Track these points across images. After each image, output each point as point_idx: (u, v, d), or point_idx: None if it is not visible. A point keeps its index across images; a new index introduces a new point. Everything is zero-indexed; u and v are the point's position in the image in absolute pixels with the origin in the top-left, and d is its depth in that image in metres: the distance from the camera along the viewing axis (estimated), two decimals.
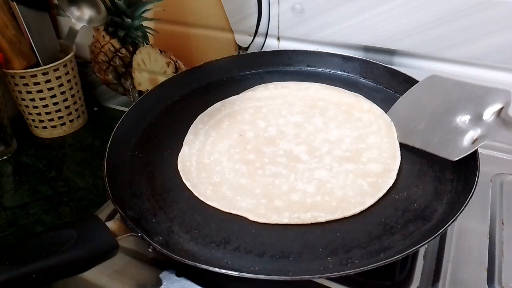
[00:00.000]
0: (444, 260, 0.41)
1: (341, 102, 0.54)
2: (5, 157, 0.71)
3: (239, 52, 0.68)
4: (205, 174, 0.46)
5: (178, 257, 0.35)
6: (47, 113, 0.73)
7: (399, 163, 0.45)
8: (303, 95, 0.56)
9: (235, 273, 0.34)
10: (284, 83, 0.58)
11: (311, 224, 0.39)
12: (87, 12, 0.72)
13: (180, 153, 0.48)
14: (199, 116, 0.54)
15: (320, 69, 0.61)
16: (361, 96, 0.55)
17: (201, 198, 0.43)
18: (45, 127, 0.75)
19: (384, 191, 0.42)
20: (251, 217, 0.40)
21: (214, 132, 0.51)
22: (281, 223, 0.39)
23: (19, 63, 0.67)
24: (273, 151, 0.48)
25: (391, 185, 0.42)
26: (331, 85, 0.57)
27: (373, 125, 0.50)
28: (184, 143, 0.50)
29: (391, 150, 0.46)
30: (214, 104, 0.55)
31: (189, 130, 0.52)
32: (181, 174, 0.46)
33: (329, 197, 0.42)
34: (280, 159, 0.47)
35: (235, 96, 0.57)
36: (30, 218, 0.59)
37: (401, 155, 0.46)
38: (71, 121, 0.77)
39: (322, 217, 0.40)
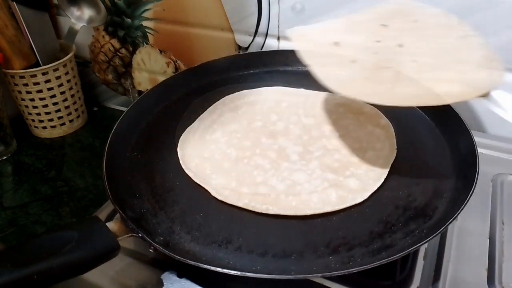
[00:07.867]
0: (444, 260, 0.40)
1: (361, 112, 0.52)
2: (5, 157, 0.71)
3: (239, 52, 0.68)
4: (200, 147, 0.49)
5: (180, 257, 0.35)
6: (46, 113, 0.73)
7: (377, 186, 0.43)
8: (328, 98, 0.55)
9: (237, 273, 0.33)
10: None
11: (312, 222, 0.40)
12: (87, 12, 0.72)
13: (190, 126, 0.52)
14: (222, 98, 0.56)
15: None
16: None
17: (182, 165, 0.47)
18: (45, 127, 0.75)
19: (347, 205, 0.41)
20: (213, 193, 0.43)
21: (229, 114, 0.54)
22: (236, 205, 0.41)
23: (19, 63, 0.67)
24: (269, 144, 0.49)
25: (357, 202, 0.41)
26: None
27: (379, 143, 0.48)
28: (198, 118, 0.53)
29: (379, 172, 0.44)
30: (242, 91, 0.57)
31: (208, 109, 0.55)
32: (179, 141, 0.50)
33: (292, 197, 0.42)
34: (271, 153, 0.47)
35: (263, 88, 0.58)
36: (30, 218, 0.59)
37: (400, 153, 0.46)
38: (71, 121, 0.77)
39: (274, 211, 0.40)
